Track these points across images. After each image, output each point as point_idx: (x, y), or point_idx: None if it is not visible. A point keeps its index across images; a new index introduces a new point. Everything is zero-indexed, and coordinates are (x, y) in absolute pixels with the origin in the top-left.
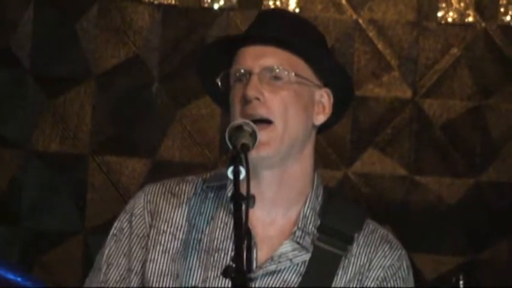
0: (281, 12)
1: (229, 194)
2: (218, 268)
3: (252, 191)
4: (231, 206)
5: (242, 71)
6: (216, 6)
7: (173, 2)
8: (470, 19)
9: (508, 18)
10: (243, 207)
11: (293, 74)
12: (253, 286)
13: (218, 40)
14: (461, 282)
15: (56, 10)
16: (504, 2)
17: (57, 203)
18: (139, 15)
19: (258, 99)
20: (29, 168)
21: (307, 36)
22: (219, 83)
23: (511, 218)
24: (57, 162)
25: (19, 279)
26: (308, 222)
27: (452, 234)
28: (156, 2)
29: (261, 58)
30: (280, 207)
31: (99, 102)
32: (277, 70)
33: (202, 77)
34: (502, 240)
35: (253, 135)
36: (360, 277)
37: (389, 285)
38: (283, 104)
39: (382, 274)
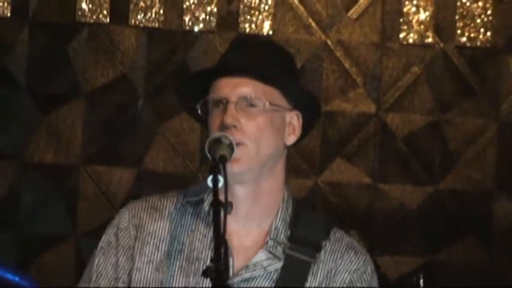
0: (254, 41)
1: (207, 207)
2: (198, 275)
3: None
4: (209, 220)
5: (220, 98)
6: (196, 29)
7: (157, 26)
8: (430, 40)
9: (464, 39)
10: (222, 212)
11: (267, 102)
12: None
13: (197, 72)
14: (421, 281)
15: (49, 33)
16: (461, 24)
17: (51, 209)
18: (126, 37)
19: (235, 126)
20: (25, 178)
21: (278, 65)
22: (199, 110)
23: (466, 223)
24: (51, 173)
25: (17, 278)
26: (279, 233)
27: (413, 238)
28: (141, 26)
29: (237, 88)
30: (254, 220)
31: (89, 118)
32: (253, 99)
33: (182, 101)
34: (458, 243)
35: (231, 147)
36: (328, 281)
37: (356, 286)
38: (258, 129)
39: (348, 278)
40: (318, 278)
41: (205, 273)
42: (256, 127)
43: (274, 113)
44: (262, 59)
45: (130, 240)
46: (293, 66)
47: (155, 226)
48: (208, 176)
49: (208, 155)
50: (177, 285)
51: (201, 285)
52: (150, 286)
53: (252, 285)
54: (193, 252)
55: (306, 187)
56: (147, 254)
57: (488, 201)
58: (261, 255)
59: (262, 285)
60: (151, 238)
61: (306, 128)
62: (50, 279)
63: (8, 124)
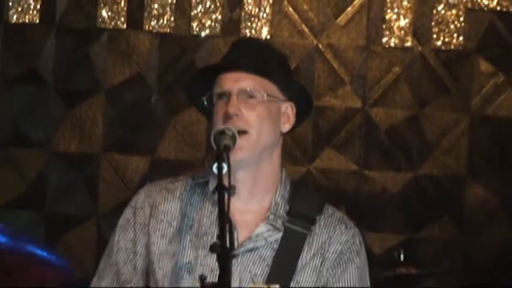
0: (253, 42)
1: (211, 188)
2: (206, 248)
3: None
4: (215, 198)
5: (223, 91)
6: (203, 33)
7: (168, 31)
8: (409, 44)
9: (439, 43)
10: (226, 196)
11: (265, 94)
12: (235, 261)
13: (204, 68)
14: (402, 255)
15: (73, 37)
16: (436, 30)
17: (75, 193)
18: (141, 41)
19: (237, 115)
20: (52, 165)
21: (274, 62)
22: (205, 102)
23: (441, 205)
24: (75, 160)
25: (45, 254)
26: (279, 207)
27: (395, 217)
28: (154, 31)
29: (238, 82)
30: (255, 199)
31: (109, 111)
32: (252, 91)
33: (190, 97)
34: (434, 222)
35: (234, 138)
36: (322, 251)
37: (345, 257)
38: (258, 118)
39: (339, 248)
40: (312, 249)
41: (211, 249)
42: (257, 116)
43: (271, 104)
44: (260, 57)
45: (146, 218)
46: (286, 64)
47: (167, 205)
48: (213, 164)
49: (214, 144)
50: (188, 257)
51: (209, 257)
52: (164, 257)
53: (255, 254)
54: (201, 228)
55: (300, 173)
56: (161, 229)
57: (461, 185)
58: (263, 227)
59: (263, 254)
60: (164, 216)
61: (300, 118)
62: (74, 255)
63: (37, 117)
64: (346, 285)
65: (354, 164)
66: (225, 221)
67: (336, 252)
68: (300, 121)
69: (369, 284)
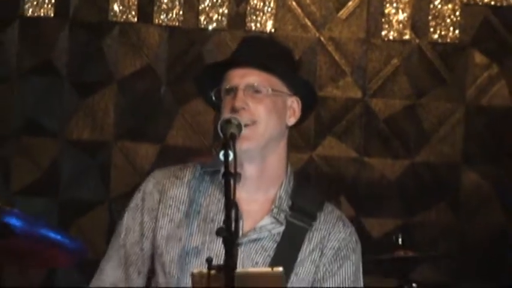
0: (260, 39)
1: (221, 176)
2: (213, 234)
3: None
4: (222, 187)
5: (231, 87)
6: (210, 27)
7: (177, 24)
8: (407, 37)
9: (436, 36)
10: (231, 182)
11: (270, 89)
12: (239, 249)
13: (212, 64)
14: (400, 239)
15: (86, 31)
16: (433, 23)
17: (88, 178)
18: (151, 34)
19: (243, 108)
20: (66, 152)
21: (280, 58)
22: (213, 96)
23: (437, 191)
24: (88, 147)
25: (59, 237)
26: (283, 202)
27: (393, 203)
28: (163, 24)
29: (244, 77)
30: (261, 190)
31: (120, 101)
32: (258, 86)
33: (199, 90)
34: (431, 208)
35: (239, 126)
36: (321, 246)
37: (342, 253)
38: (265, 110)
39: (337, 245)
40: (312, 243)
41: (218, 233)
42: (264, 108)
43: (276, 98)
44: (266, 54)
45: (154, 203)
46: (292, 60)
47: (176, 191)
48: (220, 151)
49: (220, 133)
50: (195, 241)
51: (215, 243)
52: (171, 241)
53: (258, 245)
54: (209, 214)
55: (303, 160)
56: (169, 214)
57: (456, 172)
58: (267, 220)
59: (266, 245)
60: (172, 201)
61: (306, 112)
62: (86, 238)
63: (51, 107)
64: (342, 280)
65: (354, 151)
66: (231, 205)
67: (333, 248)
68: (305, 115)
69: (362, 279)
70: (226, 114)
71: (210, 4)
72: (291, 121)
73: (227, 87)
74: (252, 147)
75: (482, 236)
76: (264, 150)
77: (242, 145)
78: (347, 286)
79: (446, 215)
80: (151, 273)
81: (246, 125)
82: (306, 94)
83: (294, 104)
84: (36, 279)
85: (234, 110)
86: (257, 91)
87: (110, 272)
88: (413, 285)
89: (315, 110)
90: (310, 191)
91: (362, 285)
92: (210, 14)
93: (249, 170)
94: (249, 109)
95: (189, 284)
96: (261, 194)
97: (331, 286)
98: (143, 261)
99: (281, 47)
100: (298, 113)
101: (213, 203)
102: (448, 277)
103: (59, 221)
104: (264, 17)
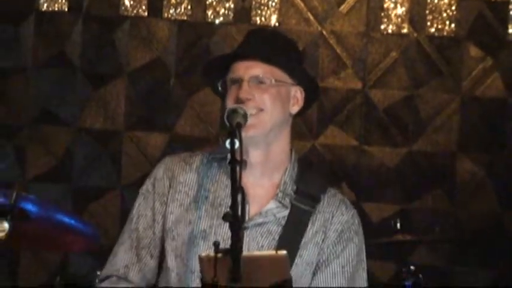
0: (265, 32)
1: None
2: (220, 218)
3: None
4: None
5: (236, 78)
6: (217, 21)
7: (185, 18)
8: (405, 30)
9: (433, 29)
10: (238, 168)
11: (273, 79)
12: (245, 233)
13: (220, 56)
14: (398, 224)
15: (98, 24)
16: (430, 17)
17: (100, 166)
18: (160, 28)
19: (249, 99)
20: (79, 141)
21: (284, 50)
22: (220, 87)
23: (434, 178)
24: (100, 136)
25: (73, 222)
26: (287, 186)
27: (391, 189)
28: (172, 18)
29: (249, 69)
30: (266, 175)
31: (130, 92)
32: (262, 77)
33: (207, 80)
34: (428, 194)
35: (245, 116)
36: (324, 229)
37: (345, 236)
38: (271, 99)
39: (340, 227)
40: (315, 226)
41: (224, 218)
42: (269, 97)
43: (280, 88)
44: (270, 47)
45: (165, 188)
46: (296, 52)
47: (185, 177)
48: (226, 140)
49: (227, 122)
50: (203, 225)
51: (222, 226)
52: (181, 224)
53: (263, 228)
54: (217, 199)
55: (306, 148)
56: (178, 199)
57: (452, 160)
58: (272, 204)
59: (271, 229)
60: (182, 187)
61: (309, 101)
62: (99, 223)
63: (65, 97)
64: (346, 261)
65: (354, 140)
66: (237, 191)
67: (336, 231)
68: (309, 104)
69: (365, 259)
70: (231, 105)
71: None
72: (294, 109)
73: (232, 77)
74: (257, 134)
75: (476, 221)
76: (268, 137)
77: (248, 132)
78: (351, 267)
79: (442, 201)
80: (163, 256)
81: (251, 114)
82: (308, 84)
83: (297, 94)
84: (51, 262)
85: (239, 100)
86: (261, 82)
87: (123, 254)
88: (411, 267)
89: (317, 99)
90: (314, 176)
91: (365, 265)
92: (217, 9)
93: (254, 155)
94: (254, 99)
95: (198, 266)
96: (266, 179)
97: (336, 267)
98: (155, 245)
99: (285, 39)
100: (301, 102)
101: (221, 189)
102: (444, 260)
103: (72, 207)
104: (268, 11)
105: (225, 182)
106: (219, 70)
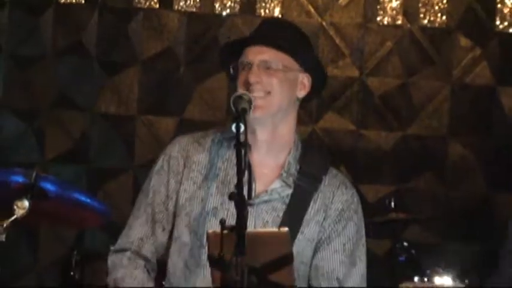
0: (277, 21)
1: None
2: None
3: (251, 143)
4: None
5: (246, 62)
6: (224, 13)
7: (194, 10)
8: (400, 22)
9: (425, 21)
10: (243, 151)
11: (281, 65)
12: (252, 209)
13: (234, 40)
14: (392, 203)
15: (113, 15)
16: (423, 10)
17: (114, 148)
18: (171, 19)
19: (258, 82)
20: (94, 125)
21: (293, 39)
22: (231, 70)
23: (426, 160)
24: (114, 120)
25: (89, 200)
26: (291, 167)
27: (387, 170)
28: (182, 10)
29: (259, 54)
30: (272, 154)
31: (143, 79)
32: (270, 62)
33: (222, 62)
34: (420, 175)
35: (250, 102)
36: (325, 208)
37: (345, 214)
38: (278, 83)
39: (340, 206)
40: (317, 204)
41: (230, 197)
42: (277, 81)
43: (287, 73)
44: (280, 34)
45: (179, 166)
46: (305, 41)
47: (199, 156)
48: (232, 124)
49: (233, 107)
50: (214, 202)
51: (231, 203)
52: (194, 201)
53: (268, 206)
54: (227, 177)
55: (306, 132)
56: (192, 177)
57: (443, 144)
58: (277, 183)
59: (276, 206)
60: (195, 166)
61: (317, 87)
62: (113, 202)
63: (82, 84)
64: (347, 239)
65: (352, 124)
66: (242, 173)
67: (337, 210)
68: (317, 91)
69: (364, 236)
70: (242, 89)
71: None
72: (301, 94)
73: (243, 62)
74: (264, 115)
75: (465, 200)
76: (275, 118)
77: (256, 113)
78: (351, 244)
79: (433, 182)
80: (174, 230)
81: (260, 97)
82: (316, 71)
83: (304, 80)
84: (68, 237)
85: (247, 83)
86: (269, 67)
87: (138, 228)
88: (405, 244)
89: (325, 85)
90: (316, 157)
91: (365, 241)
92: (224, 1)
93: (261, 134)
94: (262, 82)
95: None
96: (272, 158)
97: (337, 244)
98: (168, 219)
99: (296, 29)
100: (308, 88)
101: (230, 167)
102: (436, 238)
103: (87, 186)
104: (272, 4)
105: (234, 160)
106: (233, 54)
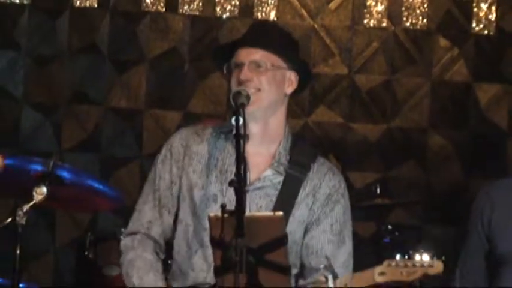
0: (266, 24)
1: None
2: (228, 183)
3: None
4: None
5: (238, 62)
6: (224, 16)
7: (197, 13)
8: (385, 24)
9: (408, 24)
10: (241, 142)
11: (270, 64)
12: (246, 195)
13: (225, 43)
14: (378, 189)
15: (123, 18)
16: (406, 13)
17: (124, 139)
18: (176, 21)
19: (249, 81)
20: (106, 118)
21: (280, 40)
22: (225, 70)
23: (409, 150)
24: (124, 114)
25: (101, 186)
26: (282, 156)
27: (373, 160)
28: (186, 14)
29: (249, 55)
30: (264, 145)
31: (151, 76)
32: (260, 62)
33: (216, 63)
34: (403, 164)
35: (248, 97)
36: (314, 192)
37: (333, 198)
38: (267, 81)
39: (328, 190)
40: (306, 190)
41: (230, 184)
42: (266, 79)
43: (276, 71)
44: (269, 36)
45: (180, 155)
46: (291, 41)
47: (198, 147)
48: (232, 117)
49: (232, 102)
50: (214, 189)
51: (229, 190)
52: (195, 188)
53: (262, 192)
54: (224, 166)
55: (299, 125)
56: (192, 165)
57: (424, 135)
58: (269, 172)
59: (269, 192)
60: (195, 155)
61: (304, 83)
62: (123, 188)
63: (95, 81)
64: (334, 220)
65: (341, 118)
66: (241, 161)
67: (325, 194)
68: (303, 86)
69: (350, 218)
70: (235, 86)
71: None
72: (289, 90)
73: (235, 62)
74: (255, 110)
75: (444, 186)
76: (266, 113)
77: (248, 108)
78: (338, 225)
79: (415, 170)
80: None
81: (251, 93)
82: (302, 69)
83: (291, 77)
84: (83, 221)
85: (239, 82)
86: (259, 66)
87: (147, 212)
88: (389, 227)
89: (310, 82)
90: (305, 147)
91: (351, 222)
92: (225, 5)
93: (253, 128)
94: (253, 80)
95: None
96: (264, 149)
97: (325, 225)
98: (173, 204)
99: (283, 31)
100: (295, 84)
101: (227, 157)
102: (418, 221)
103: (100, 174)
104: (268, 8)
105: (231, 151)
106: (226, 55)
